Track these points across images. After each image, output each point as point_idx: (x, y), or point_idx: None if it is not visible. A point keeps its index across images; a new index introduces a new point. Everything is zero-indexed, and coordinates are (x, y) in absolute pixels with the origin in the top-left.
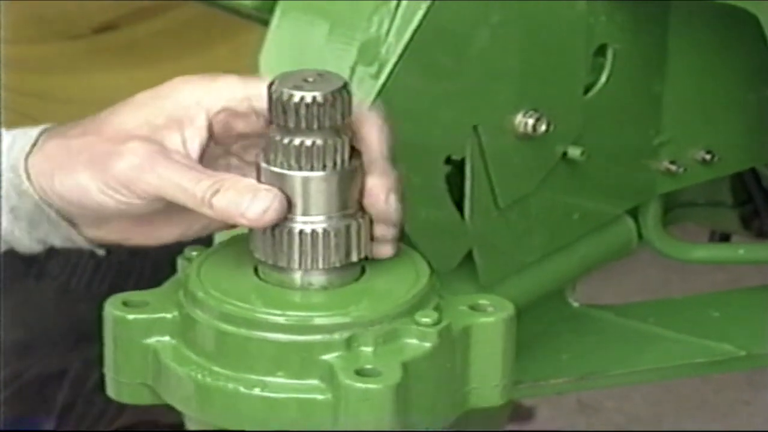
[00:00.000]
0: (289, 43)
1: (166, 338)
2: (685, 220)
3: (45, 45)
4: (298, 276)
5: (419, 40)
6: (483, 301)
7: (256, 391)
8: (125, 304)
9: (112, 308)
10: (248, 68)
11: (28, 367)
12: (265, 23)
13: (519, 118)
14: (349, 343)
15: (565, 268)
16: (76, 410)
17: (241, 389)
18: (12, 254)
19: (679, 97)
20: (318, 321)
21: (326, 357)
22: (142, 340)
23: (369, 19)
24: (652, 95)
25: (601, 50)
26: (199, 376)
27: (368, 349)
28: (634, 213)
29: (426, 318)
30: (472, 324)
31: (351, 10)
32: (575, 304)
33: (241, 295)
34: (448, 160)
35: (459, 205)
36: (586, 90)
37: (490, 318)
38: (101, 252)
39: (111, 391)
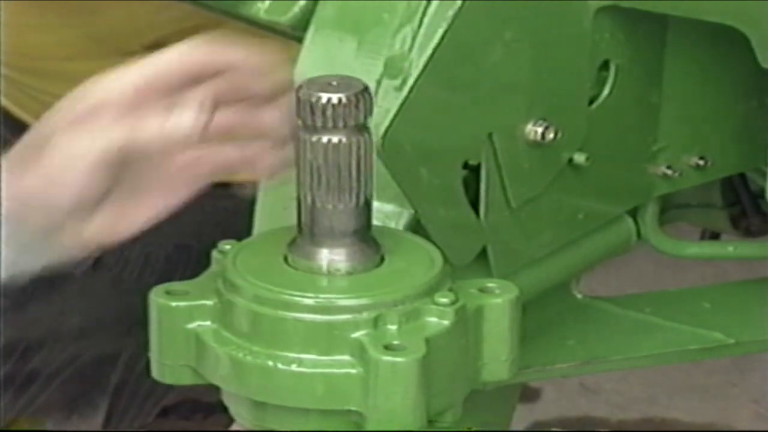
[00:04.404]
0: (321, 58)
1: (207, 323)
2: (679, 220)
3: (99, 61)
4: (324, 263)
5: (440, 55)
6: (491, 284)
7: (293, 367)
8: (168, 293)
9: (157, 297)
10: None
11: (85, 350)
12: (299, 40)
13: (529, 127)
14: (376, 322)
15: (570, 263)
16: (127, 390)
17: (279, 366)
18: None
19: (675, 108)
20: (347, 302)
21: (355, 335)
22: (184, 325)
23: (394, 36)
24: (651, 106)
25: (604, 65)
26: (239, 354)
27: (393, 327)
28: (633, 213)
29: (444, 298)
30: (483, 304)
31: (378, 28)
32: (579, 296)
33: (274, 281)
34: (465, 165)
35: (474, 206)
36: (591, 101)
37: (498, 299)
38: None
39: (155, 373)
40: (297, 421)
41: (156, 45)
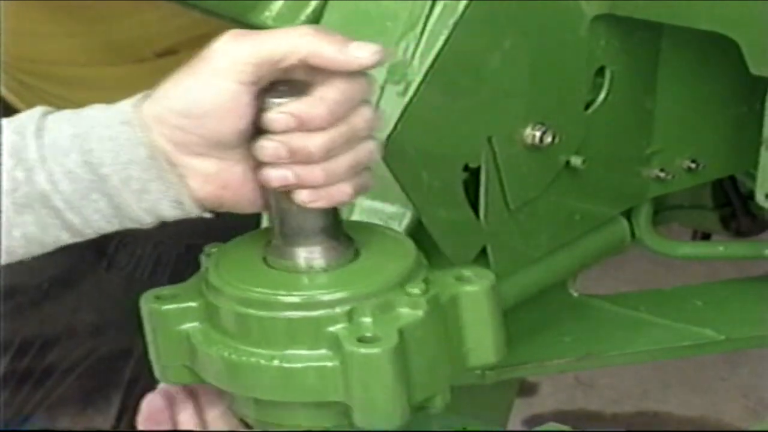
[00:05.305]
0: None
1: (196, 324)
2: (672, 221)
3: (114, 67)
4: (299, 261)
5: (441, 62)
6: (467, 272)
7: (275, 363)
8: (158, 297)
9: (148, 302)
10: None
11: (99, 346)
12: None
13: (528, 131)
14: (350, 315)
15: (567, 263)
16: (140, 384)
17: (262, 362)
18: (86, 248)
19: (668, 113)
20: (322, 298)
21: (332, 329)
22: (176, 327)
23: (397, 44)
24: (645, 111)
25: (600, 72)
26: (226, 354)
27: (367, 320)
28: (627, 214)
29: (415, 289)
30: (458, 292)
31: (381, 36)
32: (576, 294)
33: (254, 282)
34: (466, 167)
35: (474, 207)
36: (587, 106)
37: (474, 287)
38: (207, 215)
39: (158, 375)
40: (295, 415)
41: (168, 52)
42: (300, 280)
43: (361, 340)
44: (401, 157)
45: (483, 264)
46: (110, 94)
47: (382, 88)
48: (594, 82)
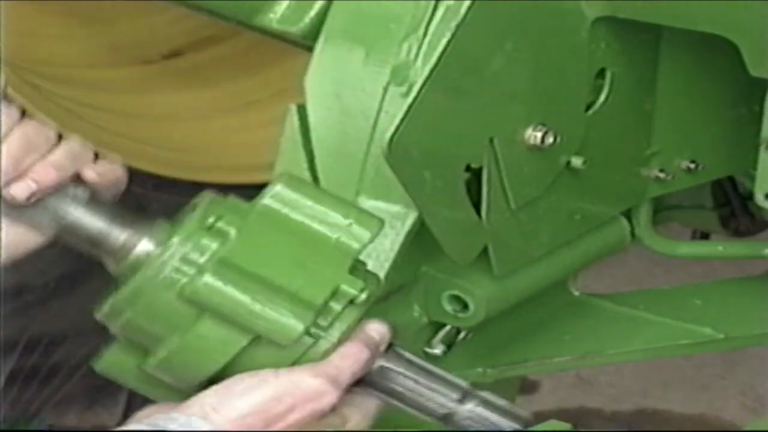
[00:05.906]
0: (331, 67)
1: (132, 356)
2: (671, 221)
3: (120, 69)
4: (133, 251)
5: (444, 64)
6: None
7: (176, 344)
8: (107, 355)
9: (104, 365)
10: (296, 88)
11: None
12: (310, 49)
13: (529, 132)
14: (179, 271)
15: (568, 262)
16: None
17: (174, 346)
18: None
19: (667, 114)
20: (150, 272)
21: (174, 290)
22: (133, 366)
23: (400, 45)
24: (645, 112)
25: (600, 73)
26: (156, 361)
27: (192, 268)
28: (627, 214)
29: (214, 220)
30: (263, 204)
31: (384, 38)
32: (576, 293)
33: (121, 287)
34: (468, 168)
35: (476, 207)
36: (588, 107)
37: (270, 193)
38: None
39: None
40: (247, 359)
41: (173, 54)
42: (136, 264)
43: (192, 283)
44: (404, 157)
45: (485, 263)
46: (117, 96)
47: (385, 90)
48: (594, 83)
